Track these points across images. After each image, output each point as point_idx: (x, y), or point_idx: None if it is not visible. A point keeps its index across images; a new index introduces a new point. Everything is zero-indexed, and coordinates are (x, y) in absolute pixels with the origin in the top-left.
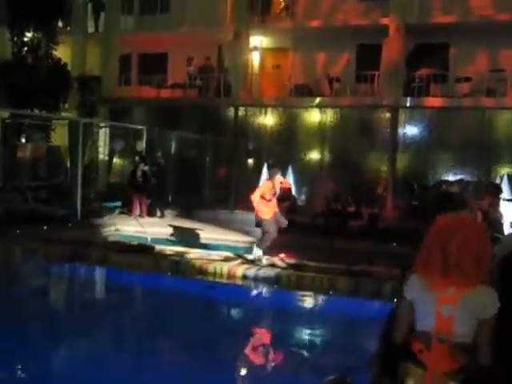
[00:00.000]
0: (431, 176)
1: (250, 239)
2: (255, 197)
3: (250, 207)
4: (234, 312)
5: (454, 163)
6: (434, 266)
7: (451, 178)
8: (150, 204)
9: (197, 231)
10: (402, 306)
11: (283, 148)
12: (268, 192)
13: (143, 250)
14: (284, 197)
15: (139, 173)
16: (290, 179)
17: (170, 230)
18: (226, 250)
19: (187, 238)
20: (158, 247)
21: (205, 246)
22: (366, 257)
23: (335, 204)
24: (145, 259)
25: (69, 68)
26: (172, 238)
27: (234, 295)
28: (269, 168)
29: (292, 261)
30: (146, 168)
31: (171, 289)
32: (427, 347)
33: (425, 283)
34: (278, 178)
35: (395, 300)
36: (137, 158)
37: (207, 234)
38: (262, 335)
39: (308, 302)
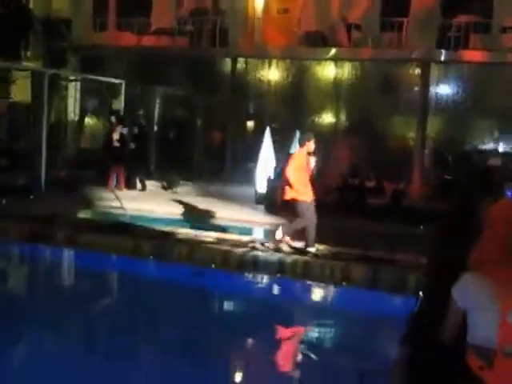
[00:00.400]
0: (468, 145)
1: (246, 217)
2: (291, 171)
3: (247, 180)
4: (224, 305)
5: (497, 130)
6: (506, 266)
7: (492, 147)
8: (128, 174)
9: (186, 207)
10: (452, 313)
11: (290, 109)
12: (304, 165)
13: (121, 229)
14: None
15: (116, 136)
16: (297, 147)
17: (153, 206)
18: (218, 230)
19: (173, 215)
20: (138, 226)
21: (195, 225)
22: (387, 241)
23: (352, 178)
24: (122, 240)
25: (31, 7)
26: (155, 216)
27: (225, 284)
28: (302, 134)
29: (298, 245)
30: (125, 130)
31: (153, 276)
32: (489, 364)
33: (487, 286)
34: (311, 146)
35: (420, 295)
36: (113, 118)
37: (197, 210)
38: (258, 334)
39: (316, 294)
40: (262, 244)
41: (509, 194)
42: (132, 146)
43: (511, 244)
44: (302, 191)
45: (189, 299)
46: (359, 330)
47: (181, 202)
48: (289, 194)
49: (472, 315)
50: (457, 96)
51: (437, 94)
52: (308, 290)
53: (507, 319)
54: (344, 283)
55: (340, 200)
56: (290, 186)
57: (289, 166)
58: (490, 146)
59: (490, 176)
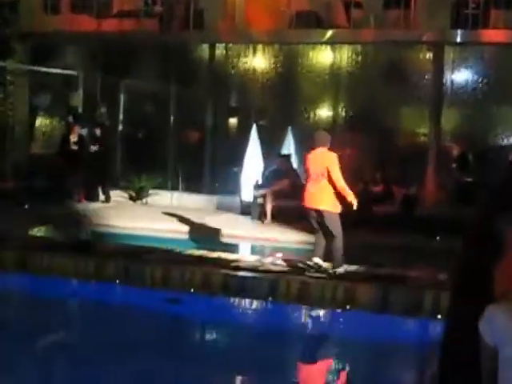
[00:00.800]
0: (492, 141)
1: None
2: (339, 175)
3: (231, 187)
4: (204, 335)
5: None
6: None
7: None
8: (89, 183)
9: (158, 221)
10: (485, 356)
11: (280, 103)
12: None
13: (81, 248)
14: (281, 172)
15: (74, 138)
16: (290, 146)
17: (119, 220)
18: (203, 247)
19: (143, 230)
20: (102, 244)
21: (170, 241)
22: (398, 256)
23: (355, 182)
24: (83, 262)
25: None
26: (122, 232)
27: (207, 312)
28: (315, 133)
29: (293, 262)
30: (84, 131)
31: (119, 303)
32: None
33: None
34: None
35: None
36: (70, 117)
37: (175, 223)
38: (246, 371)
39: (315, 321)
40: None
41: None
42: (93, 149)
43: None
44: (331, 202)
45: (162, 331)
46: (367, 362)
47: (152, 215)
48: (325, 203)
49: (505, 352)
50: (476, 83)
51: (453, 81)
52: (305, 316)
53: None
54: (348, 307)
55: (342, 208)
56: (334, 193)
57: (336, 171)
58: None
59: None
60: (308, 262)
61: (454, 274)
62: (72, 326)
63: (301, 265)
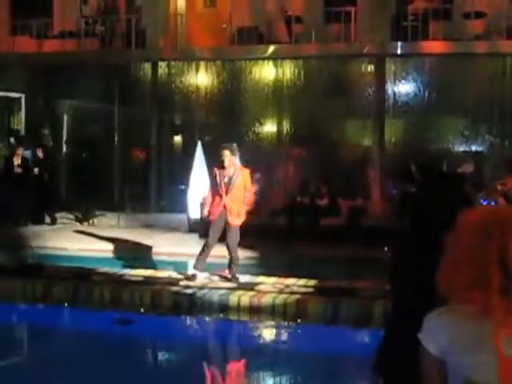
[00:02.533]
0: (434, 150)
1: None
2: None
3: (178, 205)
4: (155, 354)
5: (466, 131)
6: (484, 288)
7: (462, 151)
8: (34, 205)
9: (105, 242)
10: (427, 366)
11: (224, 119)
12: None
13: (26, 271)
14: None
15: (17, 161)
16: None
17: (65, 242)
18: (152, 266)
19: (91, 252)
20: (48, 267)
21: (118, 262)
22: (346, 268)
23: (301, 196)
24: (29, 285)
25: None
26: (68, 254)
27: (158, 331)
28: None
29: (242, 277)
30: (27, 154)
31: (67, 326)
32: None
33: (467, 319)
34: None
35: (387, 326)
36: (12, 139)
37: (120, 245)
38: None
39: (266, 335)
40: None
41: (483, 203)
42: (36, 171)
43: (483, 260)
44: (241, 213)
45: (111, 352)
46: (320, 372)
47: (99, 237)
48: (238, 218)
49: (453, 359)
50: (418, 94)
51: (395, 92)
52: (257, 331)
53: (504, 354)
54: (299, 320)
55: (288, 223)
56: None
57: (248, 182)
58: (459, 148)
59: (462, 185)
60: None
61: (391, 283)
62: (18, 351)
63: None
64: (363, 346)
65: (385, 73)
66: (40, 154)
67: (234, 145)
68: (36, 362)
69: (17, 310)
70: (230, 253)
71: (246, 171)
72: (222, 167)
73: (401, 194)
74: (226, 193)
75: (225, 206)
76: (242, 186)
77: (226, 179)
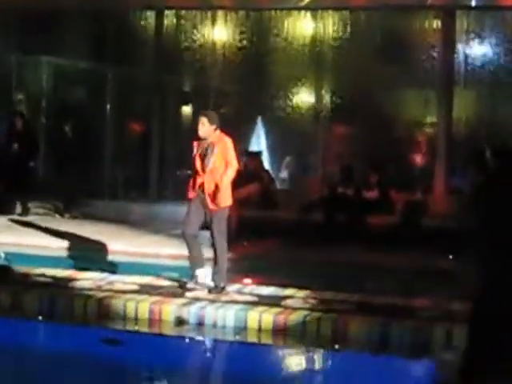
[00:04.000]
0: None
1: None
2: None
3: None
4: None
5: None
6: None
7: None
8: (2, 192)
9: (91, 239)
10: None
11: (246, 86)
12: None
13: None
14: (249, 174)
15: None
16: (260, 142)
17: (41, 238)
18: (143, 272)
19: (73, 251)
20: (18, 270)
21: (106, 266)
22: (400, 280)
23: (343, 186)
24: None
25: None
26: (44, 253)
27: (156, 355)
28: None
29: (265, 289)
30: None
31: (42, 345)
32: None
33: None
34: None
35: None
36: None
37: (109, 242)
38: None
39: (293, 364)
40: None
41: None
42: (15, 147)
43: None
44: (228, 195)
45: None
46: None
47: (83, 231)
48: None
49: None
50: (496, 58)
51: (467, 56)
52: (281, 359)
53: None
54: (337, 345)
55: (326, 220)
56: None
57: (232, 156)
58: None
59: None
60: None
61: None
62: None
63: None
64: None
65: (454, 30)
66: (19, 124)
67: (213, 113)
68: None
69: None
70: (215, 251)
71: (227, 140)
72: (200, 138)
73: (472, 187)
74: (203, 169)
75: (202, 186)
76: (221, 159)
77: (204, 154)
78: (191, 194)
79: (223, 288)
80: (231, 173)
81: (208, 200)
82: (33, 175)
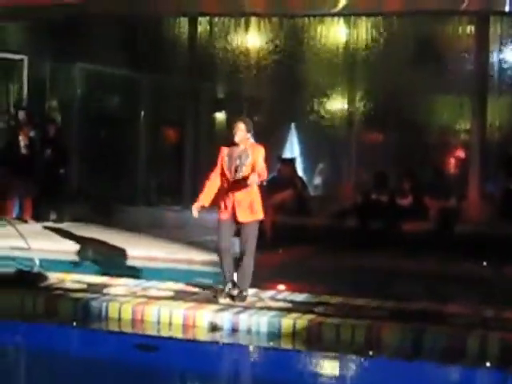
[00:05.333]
0: None
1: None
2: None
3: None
4: None
5: None
6: None
7: None
8: (37, 198)
9: (125, 246)
10: None
11: (280, 93)
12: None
13: (25, 281)
14: (283, 181)
15: (24, 140)
16: (293, 148)
17: (76, 245)
18: (176, 279)
19: (107, 258)
20: (52, 276)
21: (139, 273)
22: (434, 287)
23: (377, 193)
24: (29, 298)
25: None
26: (78, 259)
27: (191, 362)
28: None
29: (299, 296)
30: (32, 133)
31: (75, 351)
32: None
33: None
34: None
35: None
36: (21, 113)
37: (143, 249)
38: None
39: (328, 370)
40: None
41: None
42: (48, 153)
43: None
44: (259, 204)
45: None
46: None
47: (115, 239)
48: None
49: None
50: None
51: (501, 61)
52: (316, 365)
53: None
54: (371, 352)
55: (360, 226)
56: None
57: (260, 160)
58: None
59: None
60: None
61: None
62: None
63: None
64: None
65: (488, 36)
66: (52, 131)
67: (249, 120)
68: None
69: (10, 328)
70: (242, 258)
71: (260, 149)
72: (233, 144)
73: (504, 193)
74: (234, 180)
75: (233, 201)
76: (252, 168)
77: (236, 161)
78: (224, 215)
79: (246, 296)
80: (258, 179)
81: (237, 212)
82: (67, 182)
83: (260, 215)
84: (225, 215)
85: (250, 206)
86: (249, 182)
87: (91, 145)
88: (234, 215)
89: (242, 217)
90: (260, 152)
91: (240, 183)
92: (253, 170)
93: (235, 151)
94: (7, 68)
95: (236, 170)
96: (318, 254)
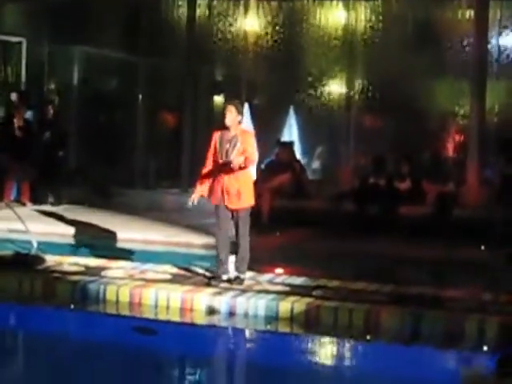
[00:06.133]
0: None
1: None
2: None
3: None
4: (188, 378)
5: None
6: None
7: None
8: (35, 181)
9: (123, 229)
10: None
11: (279, 76)
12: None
13: (23, 263)
14: (281, 164)
15: (18, 123)
16: (292, 132)
17: (73, 228)
18: (173, 262)
19: (105, 241)
20: (49, 258)
21: (137, 256)
22: (432, 271)
23: (375, 177)
24: (27, 280)
25: None
26: (76, 242)
27: (189, 345)
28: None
29: (297, 279)
30: (29, 114)
31: (74, 334)
32: None
33: None
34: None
35: None
36: (13, 95)
37: (140, 232)
38: None
39: (325, 354)
40: (240, 279)
41: None
42: (47, 135)
43: None
44: (251, 190)
45: (127, 367)
46: None
47: (113, 222)
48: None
49: None
50: None
51: (500, 46)
52: (313, 348)
53: None
54: (368, 336)
55: (358, 210)
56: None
57: (252, 147)
58: None
59: None
60: None
61: None
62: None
63: None
64: (451, 374)
65: (487, 20)
66: (50, 114)
67: (240, 104)
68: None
69: (11, 310)
70: (238, 243)
71: (250, 134)
72: (224, 128)
73: (503, 177)
74: (224, 165)
75: (222, 186)
76: (242, 154)
77: (227, 146)
78: (214, 200)
79: (243, 280)
80: (253, 169)
81: (225, 198)
82: (64, 165)
83: (249, 202)
84: (215, 200)
85: (237, 194)
86: (232, 165)
87: (89, 127)
88: (223, 201)
89: (230, 203)
90: (250, 138)
91: (228, 168)
92: (244, 155)
93: (226, 135)
94: (5, 50)
95: (226, 155)
96: (315, 237)
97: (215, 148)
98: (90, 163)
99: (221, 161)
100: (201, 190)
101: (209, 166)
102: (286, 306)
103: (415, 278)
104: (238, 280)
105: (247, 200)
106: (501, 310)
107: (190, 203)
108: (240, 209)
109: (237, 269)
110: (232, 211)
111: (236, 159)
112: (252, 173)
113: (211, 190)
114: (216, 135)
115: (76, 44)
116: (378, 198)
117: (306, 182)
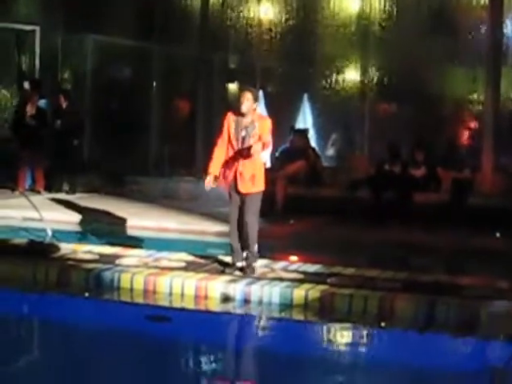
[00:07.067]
0: None
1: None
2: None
3: None
4: (205, 366)
5: None
6: None
7: None
8: (50, 169)
9: (137, 216)
10: None
11: (293, 63)
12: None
13: (38, 251)
14: (295, 152)
15: (31, 111)
16: (306, 120)
17: (88, 216)
18: (187, 250)
19: (119, 228)
20: (64, 247)
21: (151, 243)
22: (447, 259)
23: (390, 164)
24: (41, 269)
25: None
26: (90, 230)
27: (203, 332)
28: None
29: (311, 267)
30: (43, 103)
31: (88, 322)
32: None
33: None
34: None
35: None
36: (26, 83)
37: (155, 220)
38: None
39: (342, 342)
40: (251, 267)
41: None
42: (58, 124)
43: None
44: (262, 176)
45: (149, 360)
46: None
47: (128, 210)
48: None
49: None
50: None
51: None
52: (328, 335)
53: None
54: (383, 323)
55: (373, 198)
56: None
57: (267, 132)
58: None
59: None
60: None
61: None
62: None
63: None
64: (466, 360)
65: (502, 7)
66: (63, 102)
67: (256, 90)
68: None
69: (25, 299)
70: (246, 231)
71: (267, 121)
72: (240, 114)
73: None
74: (242, 151)
75: (236, 171)
76: (259, 140)
77: (243, 132)
78: (225, 185)
79: (254, 268)
80: (267, 155)
81: (239, 183)
82: (79, 153)
83: (261, 187)
84: (227, 185)
85: (251, 178)
86: (252, 151)
87: (104, 116)
88: (235, 185)
89: (243, 188)
90: (266, 124)
91: (244, 154)
92: (260, 142)
93: (242, 121)
94: (19, 39)
95: (242, 141)
96: (330, 224)
97: (228, 131)
98: (105, 151)
99: (236, 147)
100: (214, 171)
101: (222, 147)
102: (300, 293)
103: (430, 265)
104: (249, 268)
105: (260, 185)
106: None
107: (208, 186)
108: (252, 193)
109: (244, 247)
110: (243, 195)
111: (255, 146)
112: (266, 158)
113: (223, 175)
114: (230, 118)
115: (90, 32)
116: (392, 185)
117: (321, 170)
